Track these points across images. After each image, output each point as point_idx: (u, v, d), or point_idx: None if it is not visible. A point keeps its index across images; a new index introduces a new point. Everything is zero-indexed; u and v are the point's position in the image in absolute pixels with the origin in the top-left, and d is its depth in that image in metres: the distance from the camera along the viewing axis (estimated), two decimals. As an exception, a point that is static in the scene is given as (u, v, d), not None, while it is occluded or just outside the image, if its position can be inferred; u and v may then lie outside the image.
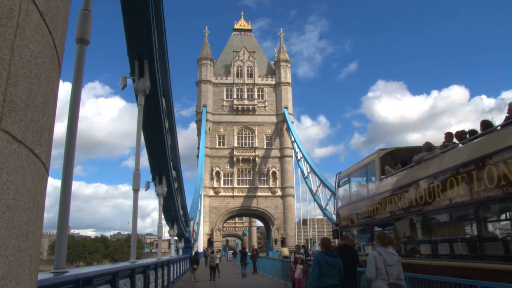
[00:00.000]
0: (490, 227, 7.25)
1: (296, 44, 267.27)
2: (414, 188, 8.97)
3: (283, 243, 55.12)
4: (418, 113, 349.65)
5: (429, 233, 8.58)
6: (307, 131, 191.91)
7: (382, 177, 10.84)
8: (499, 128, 6.55)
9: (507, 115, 6.56)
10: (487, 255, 6.55)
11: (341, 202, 14.60)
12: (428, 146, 9.10)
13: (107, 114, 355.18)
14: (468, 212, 7.34)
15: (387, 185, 10.45)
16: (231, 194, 60.09)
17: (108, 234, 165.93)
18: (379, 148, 11.59)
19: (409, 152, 10.52)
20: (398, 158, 11.01)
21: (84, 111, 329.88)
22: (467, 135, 7.83)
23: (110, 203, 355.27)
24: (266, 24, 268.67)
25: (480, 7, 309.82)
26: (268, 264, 23.32)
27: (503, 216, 6.86)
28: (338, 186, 14.99)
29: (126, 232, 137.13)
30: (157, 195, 17.78)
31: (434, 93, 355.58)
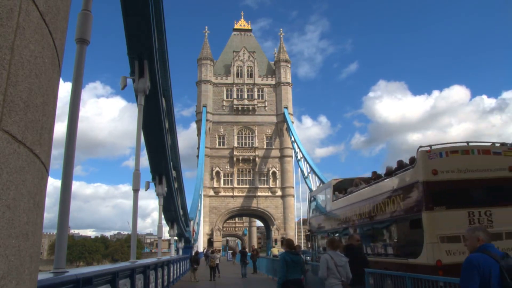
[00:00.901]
0: (384, 236, 11.70)
1: (297, 44, 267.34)
2: (347, 209, 13.96)
3: (283, 243, 55.19)
4: (418, 113, 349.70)
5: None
6: (308, 131, 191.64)
7: (333, 199, 15.62)
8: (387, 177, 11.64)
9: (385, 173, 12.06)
10: (389, 254, 11.12)
11: (311, 214, 19.52)
12: (355, 183, 14.20)
13: (108, 114, 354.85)
14: (372, 227, 12.22)
15: (336, 205, 15.29)
16: (231, 194, 60.10)
17: (108, 234, 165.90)
18: (332, 179, 17.24)
19: (351, 182, 14.97)
20: (345, 186, 15.36)
21: (84, 111, 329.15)
22: (374, 179, 12.88)
23: (110, 203, 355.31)
24: (267, 24, 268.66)
25: (480, 7, 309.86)
26: (268, 264, 23.32)
27: (392, 229, 11.09)
28: (310, 202, 20.29)
29: (126, 232, 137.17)
30: (157, 195, 17.78)
31: (435, 93, 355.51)
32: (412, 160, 10.08)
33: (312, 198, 19.69)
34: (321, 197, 18.08)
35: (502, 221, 7.91)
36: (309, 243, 20.68)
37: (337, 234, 14.53)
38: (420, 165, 9.42)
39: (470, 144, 9.80)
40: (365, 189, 12.90)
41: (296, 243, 34.18)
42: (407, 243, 10.14)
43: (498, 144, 9.80)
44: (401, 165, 11.00)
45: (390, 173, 11.36)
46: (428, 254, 8.59)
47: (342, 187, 15.42)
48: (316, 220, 18.11)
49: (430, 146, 9.63)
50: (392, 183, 10.98)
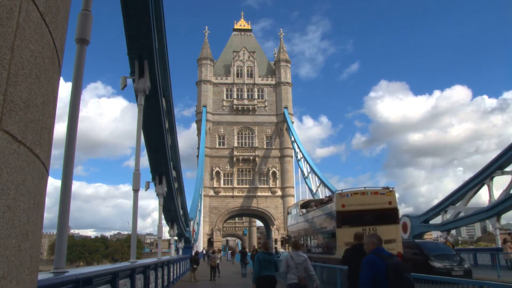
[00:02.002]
0: (319, 240, 19.54)
1: (298, 44, 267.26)
2: (306, 222, 21.92)
3: (290, 243, 55.23)
4: (420, 113, 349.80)
5: (310, 241, 21.16)
6: (309, 131, 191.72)
7: (300, 213, 22.94)
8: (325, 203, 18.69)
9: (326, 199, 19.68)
10: (321, 251, 18.54)
11: (288, 223, 27.65)
12: (311, 205, 21.40)
13: (109, 114, 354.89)
14: (315, 235, 20.10)
15: (302, 218, 22.70)
16: (231, 194, 60.09)
17: (108, 234, 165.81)
18: (300, 200, 27.68)
19: (313, 202, 22.11)
20: (308, 205, 22.35)
21: (86, 111, 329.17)
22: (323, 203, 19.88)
23: (111, 203, 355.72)
24: (268, 25, 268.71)
25: (481, 8, 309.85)
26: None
27: (323, 237, 18.72)
28: (287, 214, 28.83)
29: (126, 232, 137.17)
30: (157, 195, 17.78)
31: (436, 93, 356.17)
32: (331, 198, 18.56)
33: (288, 211, 28.65)
34: (293, 211, 25.78)
35: (383, 233, 10.96)
36: (286, 245, 29.21)
37: (301, 238, 22.52)
38: (335, 201, 16.45)
39: (367, 188, 16.77)
40: (313, 211, 20.47)
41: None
42: (329, 246, 17.23)
43: (384, 187, 16.76)
44: (330, 199, 18.74)
45: (325, 202, 19.15)
46: (338, 252, 14.38)
47: (307, 205, 22.75)
48: (290, 228, 26.39)
49: (342, 190, 17.24)
50: (323, 210, 18.55)
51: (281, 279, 12.51)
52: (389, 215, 15.80)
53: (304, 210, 22.42)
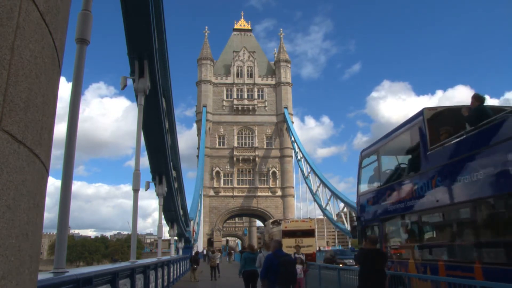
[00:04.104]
0: None
1: (300, 44, 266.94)
2: (270, 233, 37.95)
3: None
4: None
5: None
6: (311, 131, 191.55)
7: (271, 226, 37.37)
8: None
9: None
10: None
11: (265, 231, 40.72)
12: (274, 223, 39.48)
13: (111, 114, 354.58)
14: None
15: (270, 230, 38.48)
16: (231, 194, 60.10)
17: (108, 234, 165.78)
18: (272, 219, 41.70)
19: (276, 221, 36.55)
20: (274, 222, 39.03)
21: (88, 111, 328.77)
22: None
23: (112, 203, 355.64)
24: (271, 25, 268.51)
25: (484, 8, 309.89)
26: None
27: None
28: (264, 226, 42.20)
29: (126, 232, 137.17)
30: (157, 195, 17.78)
31: (439, 93, 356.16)
32: (279, 222, 35.08)
33: (265, 224, 32.72)
34: (267, 226, 35.13)
35: (305, 242, 26.50)
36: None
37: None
38: (281, 225, 31.63)
39: (299, 218, 41.74)
40: (274, 227, 36.83)
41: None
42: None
43: (306, 218, 37.39)
44: (279, 222, 34.54)
45: (278, 223, 34.16)
46: None
47: (274, 223, 29.12)
48: (267, 234, 39.88)
49: (285, 217, 45.18)
50: (278, 227, 32.77)
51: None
52: (309, 232, 30.39)
53: (271, 226, 37.60)
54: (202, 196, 52.81)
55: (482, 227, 5.92)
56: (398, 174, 8.77)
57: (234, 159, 60.41)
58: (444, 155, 6.85)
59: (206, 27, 68.56)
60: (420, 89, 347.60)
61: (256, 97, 64.17)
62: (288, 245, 22.26)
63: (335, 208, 45.42)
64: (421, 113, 7.67)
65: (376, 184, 9.92)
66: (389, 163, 9.72)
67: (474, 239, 6.04)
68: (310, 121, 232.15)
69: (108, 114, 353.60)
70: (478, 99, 6.76)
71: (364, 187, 10.60)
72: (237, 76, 64.96)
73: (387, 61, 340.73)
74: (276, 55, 67.61)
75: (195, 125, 64.28)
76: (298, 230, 29.36)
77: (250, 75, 65.14)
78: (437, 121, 7.59)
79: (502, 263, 5.39)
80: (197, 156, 57.24)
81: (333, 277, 10.57)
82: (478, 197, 5.78)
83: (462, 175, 6.12)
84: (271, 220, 40.83)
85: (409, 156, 8.28)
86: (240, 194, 60.36)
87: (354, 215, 32.45)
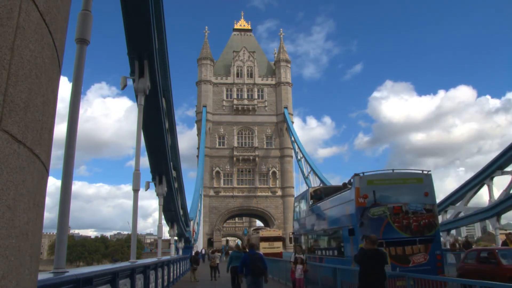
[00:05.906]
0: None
1: (302, 45, 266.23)
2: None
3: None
4: (423, 113, 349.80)
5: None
6: (312, 131, 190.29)
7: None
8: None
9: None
10: None
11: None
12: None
13: (113, 115, 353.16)
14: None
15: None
16: (231, 194, 60.09)
17: (108, 234, 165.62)
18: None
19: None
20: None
21: (91, 111, 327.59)
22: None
23: (112, 203, 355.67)
24: (274, 25, 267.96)
25: (486, 8, 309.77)
26: (268, 264, 23.29)
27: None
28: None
29: (126, 232, 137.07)
30: (157, 195, 17.78)
31: (441, 93, 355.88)
32: (257, 231, 47.84)
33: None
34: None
35: (275, 245, 39.62)
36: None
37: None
38: (259, 233, 43.70)
39: (270, 228, 50.44)
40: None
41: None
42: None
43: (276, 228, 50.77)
44: (256, 229, 49.45)
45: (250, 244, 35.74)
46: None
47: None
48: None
49: (285, 217, 55.79)
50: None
51: (270, 275, 16.73)
52: (279, 238, 40.79)
53: (252, 232, 47.05)
54: (202, 196, 52.81)
55: (328, 241, 15.02)
56: (303, 213, 18.76)
57: (234, 159, 60.40)
58: (316, 208, 16.36)
59: (206, 27, 68.63)
60: (422, 89, 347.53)
61: (256, 97, 64.15)
62: (264, 247, 35.69)
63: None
64: (307, 190, 18.57)
65: (297, 216, 20.19)
66: (301, 207, 19.49)
67: (326, 245, 15.14)
68: (312, 121, 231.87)
69: (110, 114, 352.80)
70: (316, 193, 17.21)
71: (295, 216, 20.82)
72: (237, 76, 64.94)
73: (389, 61, 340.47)
74: (276, 55, 67.61)
75: (196, 125, 64.26)
76: (271, 236, 40.48)
77: (250, 75, 65.14)
78: (314, 193, 17.34)
79: (334, 256, 13.59)
80: (197, 156, 57.23)
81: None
82: (326, 228, 14.79)
83: (322, 217, 15.48)
84: (252, 229, 55.04)
85: (305, 206, 18.05)
86: (240, 194, 60.35)
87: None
